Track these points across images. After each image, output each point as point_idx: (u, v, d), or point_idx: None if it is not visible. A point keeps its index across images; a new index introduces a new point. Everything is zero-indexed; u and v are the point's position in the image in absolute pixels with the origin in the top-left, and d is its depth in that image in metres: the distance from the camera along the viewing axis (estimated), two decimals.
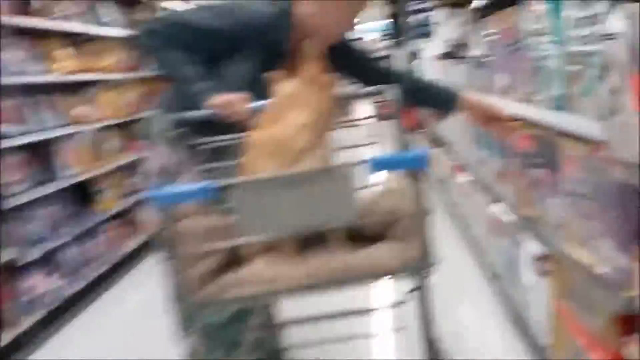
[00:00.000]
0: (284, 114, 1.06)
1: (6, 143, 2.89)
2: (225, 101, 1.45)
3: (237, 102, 1.44)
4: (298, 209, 0.94)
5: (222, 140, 1.45)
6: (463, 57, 2.58)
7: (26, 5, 3.29)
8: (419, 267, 1.07)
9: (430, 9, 5.05)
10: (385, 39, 14.72)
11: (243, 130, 1.58)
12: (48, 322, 3.14)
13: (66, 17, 3.61)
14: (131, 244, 4.14)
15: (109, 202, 3.88)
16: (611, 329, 1.44)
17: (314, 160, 1.05)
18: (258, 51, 1.57)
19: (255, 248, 1.08)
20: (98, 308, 3.48)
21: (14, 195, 2.91)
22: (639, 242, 1.24)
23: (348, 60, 1.79)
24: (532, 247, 2.16)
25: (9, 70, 3.00)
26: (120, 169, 4.10)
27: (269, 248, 1.09)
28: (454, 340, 1.49)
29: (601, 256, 1.44)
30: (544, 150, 1.87)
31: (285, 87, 1.10)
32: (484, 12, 2.46)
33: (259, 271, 1.03)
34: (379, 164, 0.96)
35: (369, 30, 16.88)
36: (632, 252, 1.27)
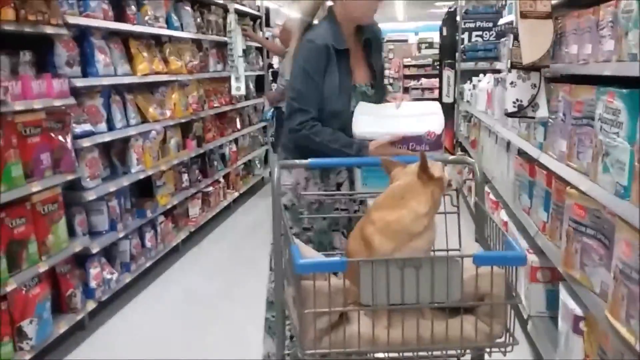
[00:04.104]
0: (404, 201, 1.26)
1: (87, 142, 3.05)
2: (381, 146, 1.86)
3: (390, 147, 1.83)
4: (413, 286, 1.14)
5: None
6: (528, 117, 2.70)
7: (121, 11, 3.49)
8: (501, 346, 1.24)
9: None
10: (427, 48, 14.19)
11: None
12: (98, 311, 3.31)
13: (150, 22, 3.79)
14: (177, 238, 4.33)
15: (164, 198, 4.05)
16: None
17: (423, 242, 1.25)
18: (334, 62, 2.09)
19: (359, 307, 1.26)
20: (145, 297, 3.65)
21: (89, 189, 3.08)
22: None
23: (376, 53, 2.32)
24: (570, 304, 2.30)
25: (101, 71, 3.17)
26: (176, 166, 4.29)
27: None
28: None
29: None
30: (598, 224, 2.00)
31: (406, 177, 1.29)
32: (555, 80, 2.57)
33: (362, 332, 1.22)
34: (482, 260, 1.14)
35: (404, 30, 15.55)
36: None
